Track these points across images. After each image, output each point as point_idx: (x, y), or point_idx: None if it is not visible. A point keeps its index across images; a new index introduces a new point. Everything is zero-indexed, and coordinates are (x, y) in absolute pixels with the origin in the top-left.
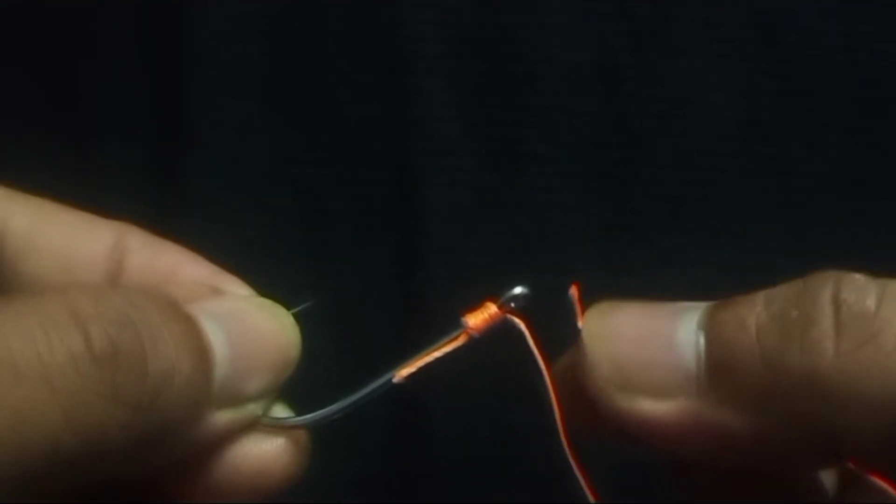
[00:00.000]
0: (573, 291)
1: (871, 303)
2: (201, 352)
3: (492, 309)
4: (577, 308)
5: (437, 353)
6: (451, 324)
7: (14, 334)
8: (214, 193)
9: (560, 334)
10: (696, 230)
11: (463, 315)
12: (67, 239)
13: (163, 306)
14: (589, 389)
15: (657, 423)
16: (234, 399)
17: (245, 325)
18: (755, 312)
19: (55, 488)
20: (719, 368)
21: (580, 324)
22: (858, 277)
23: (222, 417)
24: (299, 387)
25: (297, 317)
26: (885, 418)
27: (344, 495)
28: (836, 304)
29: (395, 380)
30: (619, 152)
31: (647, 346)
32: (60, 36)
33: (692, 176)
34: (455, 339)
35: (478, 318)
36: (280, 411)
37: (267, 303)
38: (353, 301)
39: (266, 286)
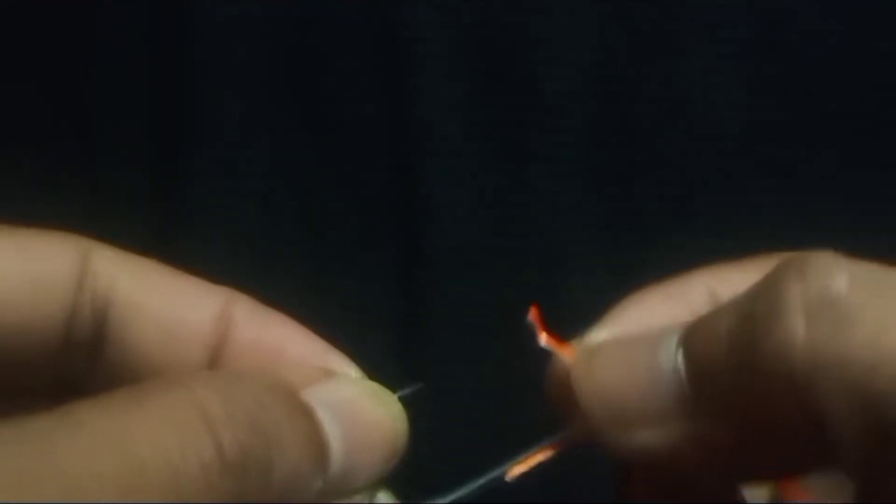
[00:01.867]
0: (532, 315)
1: (840, 285)
2: (321, 450)
3: None
4: (539, 329)
5: (552, 450)
6: (453, 326)
7: (145, 441)
8: (215, 194)
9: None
10: (698, 230)
11: None
12: (173, 306)
13: (287, 403)
14: (589, 432)
15: (656, 451)
16: (343, 492)
17: (358, 416)
18: (726, 318)
19: None
20: (700, 382)
21: (544, 343)
22: (825, 257)
23: None
24: None
25: (402, 400)
26: (867, 415)
27: None
28: (804, 291)
29: (508, 478)
30: (619, 152)
31: (634, 379)
32: (60, 37)
33: (693, 176)
34: (570, 434)
35: None
36: (381, 497)
37: (377, 388)
38: (354, 301)
39: (267, 287)
